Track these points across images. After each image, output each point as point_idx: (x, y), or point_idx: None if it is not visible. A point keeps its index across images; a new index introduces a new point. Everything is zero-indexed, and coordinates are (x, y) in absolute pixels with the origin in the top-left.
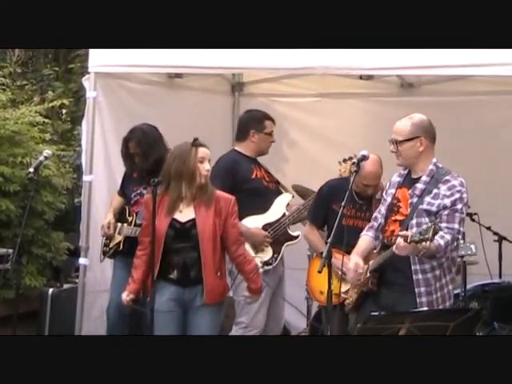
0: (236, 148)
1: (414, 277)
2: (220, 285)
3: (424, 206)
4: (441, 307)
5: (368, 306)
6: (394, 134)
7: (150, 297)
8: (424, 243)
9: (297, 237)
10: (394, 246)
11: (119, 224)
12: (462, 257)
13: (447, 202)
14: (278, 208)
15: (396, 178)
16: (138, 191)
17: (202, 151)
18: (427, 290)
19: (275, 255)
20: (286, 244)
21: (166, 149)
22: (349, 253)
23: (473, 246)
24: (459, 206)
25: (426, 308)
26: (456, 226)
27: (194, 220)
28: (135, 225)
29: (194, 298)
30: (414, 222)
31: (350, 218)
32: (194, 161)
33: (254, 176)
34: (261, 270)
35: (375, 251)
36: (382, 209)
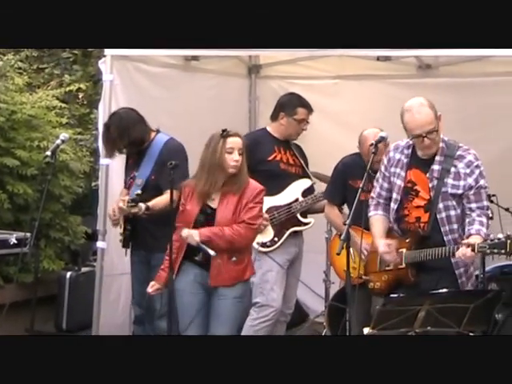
0: (267, 127)
1: (452, 260)
2: (232, 269)
3: (449, 190)
4: (475, 274)
5: (405, 291)
6: (427, 125)
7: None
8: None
9: (306, 223)
10: (460, 255)
11: None
12: None
13: (471, 181)
14: (292, 192)
15: (399, 156)
16: (132, 175)
17: (230, 141)
18: (465, 269)
19: (275, 238)
20: (291, 229)
21: (145, 130)
22: (368, 229)
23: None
24: (482, 182)
25: (444, 290)
26: (485, 202)
27: None
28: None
29: None
30: (441, 206)
31: (368, 193)
32: (222, 152)
33: (271, 158)
34: (259, 248)
35: (407, 240)
36: (386, 184)
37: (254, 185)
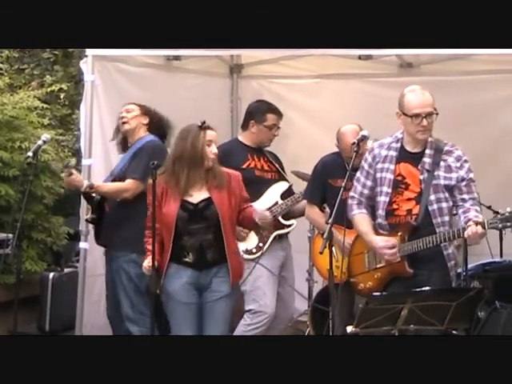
0: (239, 136)
1: (444, 252)
2: (240, 262)
3: (442, 182)
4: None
5: (397, 286)
6: (429, 106)
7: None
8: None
9: (289, 225)
10: (470, 233)
11: None
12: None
13: (463, 173)
14: (271, 196)
15: (386, 152)
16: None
17: (209, 134)
18: (455, 262)
19: (260, 244)
20: (275, 233)
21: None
22: (350, 228)
23: None
24: (472, 175)
25: (427, 288)
26: (475, 194)
27: (207, 200)
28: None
29: (209, 282)
30: (432, 198)
31: (349, 191)
32: (203, 144)
33: (245, 166)
34: (245, 256)
35: (399, 233)
36: (369, 182)
37: (233, 173)
